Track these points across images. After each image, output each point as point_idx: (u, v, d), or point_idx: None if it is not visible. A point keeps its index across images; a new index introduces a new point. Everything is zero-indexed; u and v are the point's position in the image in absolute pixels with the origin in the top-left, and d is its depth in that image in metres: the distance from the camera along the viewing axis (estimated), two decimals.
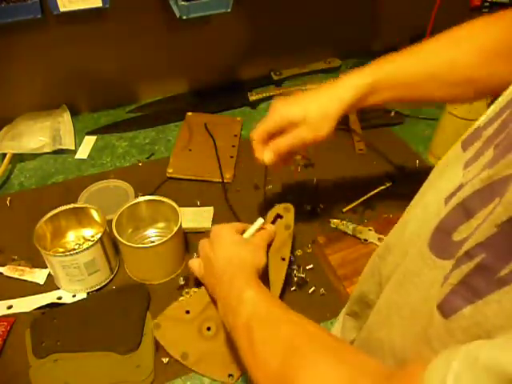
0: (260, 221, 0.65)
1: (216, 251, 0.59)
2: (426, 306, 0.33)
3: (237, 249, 0.58)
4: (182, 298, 0.67)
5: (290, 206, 0.71)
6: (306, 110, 0.58)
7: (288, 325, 0.44)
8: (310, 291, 0.68)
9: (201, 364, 0.60)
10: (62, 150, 0.92)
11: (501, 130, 0.34)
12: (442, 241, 0.34)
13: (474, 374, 0.23)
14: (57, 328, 0.63)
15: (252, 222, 0.67)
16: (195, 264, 0.64)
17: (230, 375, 0.59)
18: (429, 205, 0.39)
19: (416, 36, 0.99)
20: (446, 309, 0.30)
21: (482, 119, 0.38)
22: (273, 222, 0.70)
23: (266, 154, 0.62)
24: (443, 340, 0.31)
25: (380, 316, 0.43)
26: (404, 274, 0.38)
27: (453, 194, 0.35)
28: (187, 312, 0.64)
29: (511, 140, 0.30)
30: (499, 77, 0.52)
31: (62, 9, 0.75)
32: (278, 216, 0.70)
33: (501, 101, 0.37)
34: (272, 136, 0.62)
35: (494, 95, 0.40)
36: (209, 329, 0.62)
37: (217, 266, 0.57)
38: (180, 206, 0.69)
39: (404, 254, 0.41)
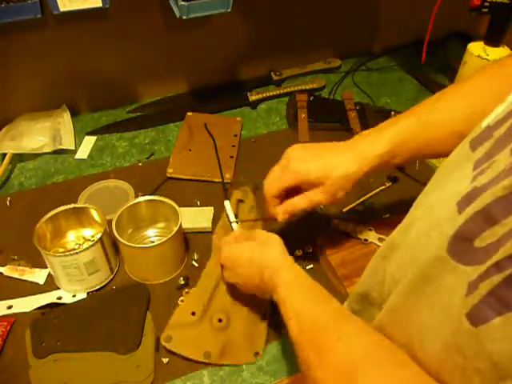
0: (227, 203, 0.70)
1: (241, 278, 0.59)
2: (451, 312, 0.33)
3: (252, 257, 0.57)
4: (181, 298, 0.67)
5: (247, 188, 0.72)
6: (327, 173, 0.57)
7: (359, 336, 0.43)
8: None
9: (225, 356, 0.61)
10: (62, 149, 0.92)
11: None
12: (462, 247, 0.33)
13: None
14: (57, 328, 0.63)
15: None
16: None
17: (256, 353, 0.61)
18: (436, 205, 0.39)
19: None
20: (475, 318, 0.30)
21: (491, 118, 0.37)
22: (237, 211, 0.71)
23: (280, 215, 0.61)
24: (475, 348, 0.31)
25: (394, 317, 0.42)
26: (420, 277, 0.38)
27: (467, 199, 0.35)
28: (193, 314, 0.63)
29: None
30: None
31: (62, 9, 0.75)
32: (240, 201, 0.71)
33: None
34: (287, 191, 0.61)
35: None
36: (220, 320, 0.63)
37: (253, 283, 0.57)
38: (180, 206, 0.69)
39: (410, 253, 0.40)
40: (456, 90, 0.59)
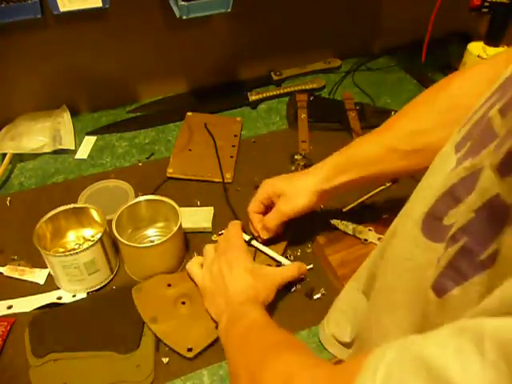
0: (236, 222, 0.71)
1: (234, 276, 0.61)
2: (422, 287, 0.35)
3: (253, 281, 0.61)
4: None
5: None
6: (286, 186, 0.67)
7: (276, 332, 0.49)
8: (309, 291, 0.68)
9: (165, 332, 0.62)
10: (62, 149, 0.92)
11: (479, 122, 0.35)
12: (433, 225, 0.36)
13: (403, 364, 0.23)
14: (56, 327, 0.63)
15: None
16: (196, 272, 0.66)
17: (189, 349, 0.61)
18: (419, 196, 0.41)
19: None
20: (438, 289, 0.32)
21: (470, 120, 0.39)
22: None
23: (262, 233, 0.70)
24: (442, 319, 0.32)
25: (378, 299, 0.45)
26: (396, 257, 0.40)
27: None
28: (169, 285, 0.67)
29: (491, 132, 0.31)
30: None
31: (62, 9, 0.75)
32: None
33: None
34: (265, 207, 0.71)
35: None
36: (183, 303, 0.65)
37: (231, 289, 0.60)
38: (180, 206, 0.69)
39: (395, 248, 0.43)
40: (401, 110, 0.64)
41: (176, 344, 0.62)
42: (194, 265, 0.67)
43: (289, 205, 0.66)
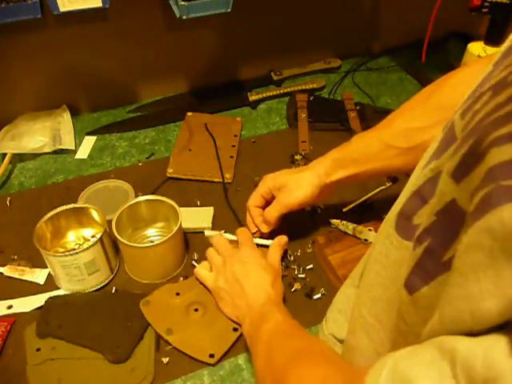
0: (207, 232, 0.73)
1: (251, 276, 0.62)
2: (396, 284, 0.36)
3: (270, 278, 0.62)
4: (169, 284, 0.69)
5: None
6: (287, 179, 0.68)
7: (300, 339, 0.50)
8: (309, 291, 0.68)
9: (183, 342, 0.62)
10: (62, 150, 0.92)
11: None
12: (404, 223, 0.37)
13: None
14: (63, 314, 0.64)
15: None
16: (206, 275, 0.66)
17: (211, 355, 0.60)
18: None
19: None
20: (409, 287, 0.33)
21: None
22: None
23: (262, 227, 0.71)
24: (414, 314, 0.33)
25: (361, 294, 0.46)
26: (377, 253, 0.41)
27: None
28: (177, 294, 0.66)
29: (453, 136, 0.32)
30: None
31: (62, 9, 0.75)
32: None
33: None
34: (265, 202, 0.71)
35: None
36: (196, 310, 0.65)
37: (251, 290, 0.60)
38: (180, 206, 0.70)
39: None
40: (399, 108, 0.65)
41: (196, 352, 0.61)
42: (202, 269, 0.67)
43: (290, 196, 0.67)
